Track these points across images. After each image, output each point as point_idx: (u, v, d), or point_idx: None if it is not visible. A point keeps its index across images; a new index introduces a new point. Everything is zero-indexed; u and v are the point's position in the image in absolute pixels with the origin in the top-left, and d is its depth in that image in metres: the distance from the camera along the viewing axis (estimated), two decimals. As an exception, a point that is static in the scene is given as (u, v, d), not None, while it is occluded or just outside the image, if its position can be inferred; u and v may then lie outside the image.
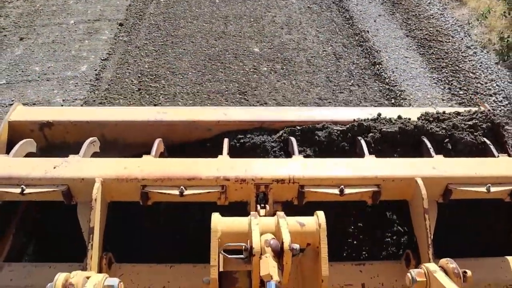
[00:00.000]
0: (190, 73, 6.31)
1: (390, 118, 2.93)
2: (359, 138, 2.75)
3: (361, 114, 2.96)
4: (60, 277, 1.60)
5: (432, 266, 1.81)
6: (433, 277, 1.75)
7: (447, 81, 6.30)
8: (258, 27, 7.51)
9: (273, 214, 1.97)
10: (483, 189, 2.38)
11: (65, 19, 7.73)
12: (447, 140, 2.81)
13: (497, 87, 6.15)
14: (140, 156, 2.54)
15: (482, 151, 2.78)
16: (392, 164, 2.54)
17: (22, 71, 6.39)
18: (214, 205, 2.38)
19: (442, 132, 2.82)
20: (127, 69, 6.41)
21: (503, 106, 5.84)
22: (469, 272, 1.78)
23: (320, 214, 1.90)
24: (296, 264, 1.97)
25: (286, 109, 3.38)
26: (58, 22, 7.63)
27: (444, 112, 2.98)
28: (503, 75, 6.38)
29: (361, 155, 2.64)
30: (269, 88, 6.03)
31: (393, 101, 5.85)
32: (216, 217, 1.89)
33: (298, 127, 2.86)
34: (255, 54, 6.76)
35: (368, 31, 7.43)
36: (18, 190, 2.27)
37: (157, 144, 2.65)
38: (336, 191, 2.33)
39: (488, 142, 2.78)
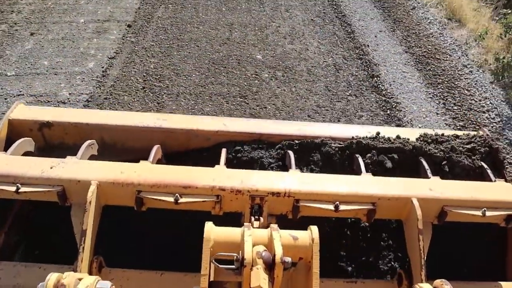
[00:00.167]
0: (193, 75, 6.50)
1: (388, 137, 2.92)
2: (357, 155, 2.76)
3: (360, 132, 2.98)
4: (52, 277, 1.58)
5: (426, 286, 1.80)
6: None
7: (442, 97, 6.49)
8: (262, 35, 7.72)
9: (267, 227, 1.94)
10: (479, 212, 2.38)
11: (75, 17, 7.95)
12: (444, 162, 2.81)
13: (490, 104, 6.34)
14: (137, 161, 2.53)
15: (479, 175, 2.79)
16: (388, 183, 2.52)
17: (31, 64, 6.57)
18: (208, 214, 2.36)
19: (440, 154, 2.83)
20: (133, 68, 6.60)
21: (495, 122, 6.04)
22: None
23: (314, 228, 1.89)
24: (287, 278, 1.95)
25: (285, 123, 3.42)
26: (68, 20, 7.86)
27: (442, 135, 2.99)
28: (496, 94, 6.59)
29: (358, 172, 2.65)
30: (269, 94, 6.21)
31: (388, 112, 6.03)
32: (209, 226, 1.87)
33: (297, 141, 2.87)
34: (258, 61, 6.96)
35: (368, 45, 7.63)
36: (13, 188, 2.25)
37: (155, 150, 2.65)
38: (331, 207, 2.32)
39: (485, 166, 2.79)
